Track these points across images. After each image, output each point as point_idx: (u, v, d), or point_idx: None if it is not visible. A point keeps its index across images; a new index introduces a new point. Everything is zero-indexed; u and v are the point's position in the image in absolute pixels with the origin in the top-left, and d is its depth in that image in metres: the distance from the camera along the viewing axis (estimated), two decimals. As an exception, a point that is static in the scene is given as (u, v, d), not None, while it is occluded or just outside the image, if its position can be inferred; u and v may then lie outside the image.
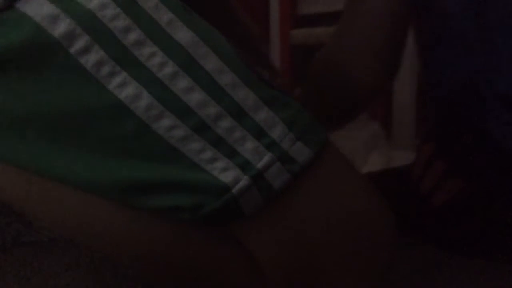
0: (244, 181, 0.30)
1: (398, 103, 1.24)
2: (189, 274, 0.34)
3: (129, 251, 0.34)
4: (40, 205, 0.36)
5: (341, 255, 0.33)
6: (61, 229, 0.40)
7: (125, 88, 0.31)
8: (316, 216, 0.32)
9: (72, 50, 0.31)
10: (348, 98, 0.60)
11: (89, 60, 0.31)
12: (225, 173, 0.31)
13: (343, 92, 0.59)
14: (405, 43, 0.59)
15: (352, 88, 0.59)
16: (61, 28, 0.31)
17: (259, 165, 0.31)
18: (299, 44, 1.45)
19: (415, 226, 0.57)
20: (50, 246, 0.56)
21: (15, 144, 0.33)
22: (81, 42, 0.31)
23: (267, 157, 0.31)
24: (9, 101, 0.32)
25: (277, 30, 1.49)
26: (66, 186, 0.33)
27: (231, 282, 0.34)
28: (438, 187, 0.52)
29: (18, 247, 0.56)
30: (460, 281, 0.46)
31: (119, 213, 0.33)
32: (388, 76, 0.61)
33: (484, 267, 0.49)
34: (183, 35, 0.33)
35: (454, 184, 0.50)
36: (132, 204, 0.32)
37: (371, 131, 1.15)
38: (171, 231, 0.33)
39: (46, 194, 0.34)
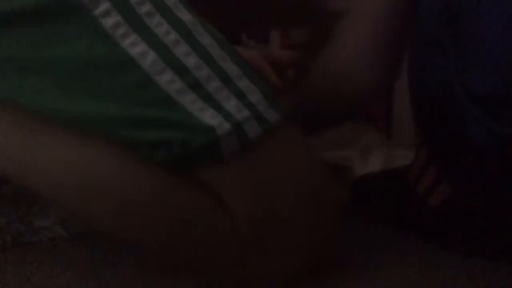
0: (227, 125, 0.38)
1: (398, 103, 1.24)
2: (172, 223, 0.40)
3: (115, 199, 0.40)
4: (28, 155, 0.41)
5: (295, 202, 0.41)
6: (46, 183, 0.42)
7: (135, 47, 0.38)
8: (277, 171, 0.41)
9: (96, 12, 0.38)
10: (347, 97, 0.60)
11: (108, 22, 0.38)
12: (212, 119, 0.38)
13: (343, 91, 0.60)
14: (405, 41, 0.60)
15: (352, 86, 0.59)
16: None
17: (239, 117, 0.39)
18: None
19: (415, 226, 0.57)
20: (50, 246, 0.56)
21: (25, 85, 0.39)
22: (103, 6, 0.38)
23: (246, 112, 0.39)
24: (30, 50, 0.39)
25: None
26: (57, 133, 0.40)
27: (207, 224, 0.41)
28: (434, 188, 0.52)
29: (18, 247, 0.56)
30: (460, 281, 0.46)
31: (110, 156, 0.39)
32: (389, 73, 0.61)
33: (484, 267, 0.49)
34: (185, 15, 0.41)
35: (448, 185, 0.51)
36: (128, 138, 0.38)
37: (372, 131, 1.15)
38: (156, 175, 0.40)
39: (37, 140, 0.40)
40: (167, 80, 0.38)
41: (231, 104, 0.39)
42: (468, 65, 0.45)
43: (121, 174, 0.40)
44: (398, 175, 0.61)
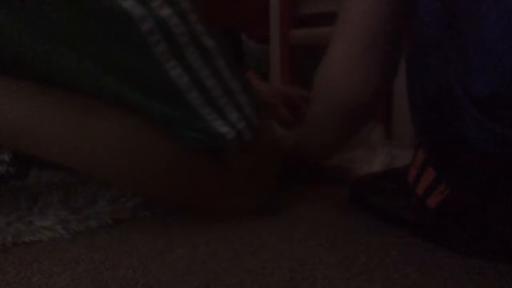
0: (232, 133, 0.57)
1: (398, 103, 1.24)
2: (193, 183, 0.60)
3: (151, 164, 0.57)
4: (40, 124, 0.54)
5: (263, 164, 0.64)
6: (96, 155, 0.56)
7: (175, 70, 0.54)
8: (258, 153, 0.61)
9: (151, 40, 0.53)
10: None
11: (158, 49, 0.53)
12: (222, 127, 0.57)
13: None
14: (401, 44, 0.60)
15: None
16: (146, 25, 0.53)
17: (239, 126, 0.58)
18: (299, 44, 1.45)
19: (415, 226, 0.57)
20: (50, 246, 0.56)
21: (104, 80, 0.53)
22: (156, 36, 0.53)
23: (243, 123, 0.58)
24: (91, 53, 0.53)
25: (277, 30, 1.48)
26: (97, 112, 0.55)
27: (217, 184, 0.61)
28: (433, 188, 0.52)
29: (18, 247, 0.56)
30: (460, 281, 0.46)
31: (149, 133, 0.56)
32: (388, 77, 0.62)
33: (484, 267, 0.49)
34: (208, 42, 0.57)
35: (447, 186, 0.51)
36: (169, 127, 0.56)
37: (372, 131, 1.15)
38: (186, 154, 0.57)
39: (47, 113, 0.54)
40: (194, 96, 0.55)
41: (234, 116, 0.57)
42: (468, 67, 0.45)
43: (157, 146, 0.57)
44: (398, 175, 0.61)
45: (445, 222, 0.52)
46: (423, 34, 0.49)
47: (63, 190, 0.68)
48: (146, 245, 0.55)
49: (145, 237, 0.58)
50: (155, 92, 0.54)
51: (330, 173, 0.81)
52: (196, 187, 0.60)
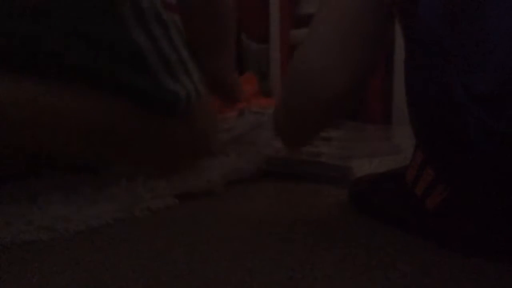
0: (183, 93, 0.68)
1: (398, 103, 1.24)
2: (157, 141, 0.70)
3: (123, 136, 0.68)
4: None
5: (205, 125, 0.77)
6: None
7: (140, 37, 0.67)
8: (200, 118, 0.74)
9: (123, 9, 0.65)
10: None
11: (128, 18, 0.66)
12: (175, 87, 0.68)
13: None
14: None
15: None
16: None
17: (189, 89, 0.69)
18: (299, 44, 1.45)
19: (415, 226, 0.57)
20: (50, 246, 0.56)
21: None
22: (127, 5, 0.67)
23: (191, 86, 0.70)
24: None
25: (277, 30, 1.48)
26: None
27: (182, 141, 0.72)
28: (432, 189, 0.52)
29: (18, 247, 0.56)
30: (460, 281, 0.46)
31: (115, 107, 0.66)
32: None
33: (484, 267, 0.49)
34: (165, 16, 0.71)
35: (446, 187, 0.51)
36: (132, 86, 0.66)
37: (373, 131, 1.15)
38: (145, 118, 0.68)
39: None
40: (155, 61, 0.66)
41: (184, 79, 0.69)
42: (470, 65, 0.45)
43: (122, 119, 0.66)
44: (397, 175, 0.60)
45: (445, 222, 0.52)
46: (424, 33, 0.49)
47: (63, 189, 0.68)
48: (146, 245, 0.55)
49: (145, 237, 0.58)
50: (123, 57, 0.64)
51: (330, 173, 0.81)
52: (162, 146, 0.71)
